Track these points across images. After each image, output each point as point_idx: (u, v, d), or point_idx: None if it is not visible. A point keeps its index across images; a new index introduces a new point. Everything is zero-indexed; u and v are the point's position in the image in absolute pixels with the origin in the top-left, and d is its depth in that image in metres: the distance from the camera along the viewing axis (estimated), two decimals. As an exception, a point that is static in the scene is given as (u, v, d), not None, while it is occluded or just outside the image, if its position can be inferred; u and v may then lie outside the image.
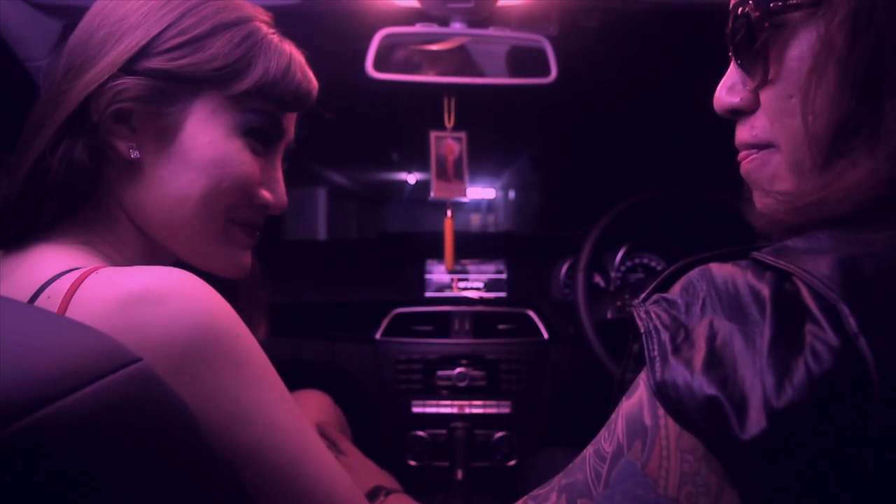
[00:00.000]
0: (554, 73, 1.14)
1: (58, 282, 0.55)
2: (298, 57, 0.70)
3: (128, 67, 0.61)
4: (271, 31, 0.68)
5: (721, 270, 0.43)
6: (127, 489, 0.40)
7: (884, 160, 0.42)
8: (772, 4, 0.47)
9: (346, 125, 0.98)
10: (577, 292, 1.40)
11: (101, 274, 0.55)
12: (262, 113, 0.67)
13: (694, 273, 0.44)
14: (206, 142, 0.64)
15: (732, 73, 0.53)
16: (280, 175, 0.72)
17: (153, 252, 0.69)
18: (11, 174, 0.62)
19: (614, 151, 2.22)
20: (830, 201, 0.43)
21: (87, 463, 0.37)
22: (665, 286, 0.47)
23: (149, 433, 0.43)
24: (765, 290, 0.39)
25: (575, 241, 1.50)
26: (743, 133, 0.53)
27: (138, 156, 0.63)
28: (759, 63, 0.49)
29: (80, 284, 0.53)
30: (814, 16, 0.46)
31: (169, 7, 0.63)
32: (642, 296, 0.49)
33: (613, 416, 0.46)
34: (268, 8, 0.71)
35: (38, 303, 0.54)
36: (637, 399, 0.44)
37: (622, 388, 0.48)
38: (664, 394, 0.40)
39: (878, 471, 0.35)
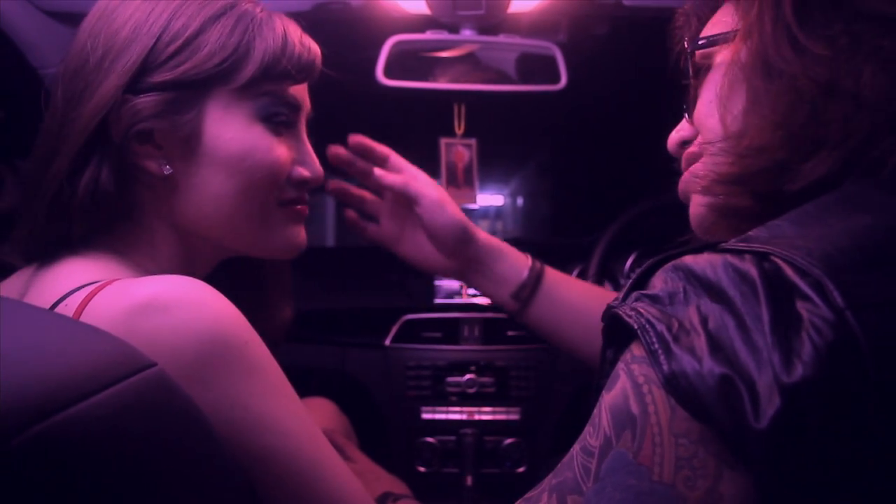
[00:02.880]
0: (564, 81, 1.14)
1: (73, 295, 0.55)
2: (292, 28, 0.69)
3: (134, 87, 0.61)
4: (257, 9, 0.67)
5: (696, 260, 0.43)
6: (142, 494, 0.40)
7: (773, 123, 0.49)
8: (699, 42, 0.60)
9: (356, 131, 0.99)
10: (586, 299, 1.39)
11: (114, 285, 0.55)
12: (272, 95, 0.66)
13: (668, 267, 0.45)
14: (229, 138, 0.64)
15: (683, 123, 0.65)
16: (309, 148, 0.71)
17: (191, 256, 0.69)
18: (31, 195, 0.62)
19: (623, 159, 2.22)
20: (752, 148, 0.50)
21: (103, 467, 0.37)
22: (641, 285, 0.47)
23: (164, 438, 0.43)
24: (752, 271, 0.40)
25: (584, 248, 1.50)
26: (683, 156, 0.63)
27: (171, 170, 0.63)
28: (692, 93, 0.60)
29: (93, 296, 0.54)
30: (728, 48, 0.56)
31: (154, 15, 0.62)
32: (619, 296, 0.49)
33: (595, 411, 0.46)
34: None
35: None
36: (620, 390, 0.44)
37: (598, 393, 0.47)
38: (675, 385, 0.40)
39: (878, 439, 0.36)
